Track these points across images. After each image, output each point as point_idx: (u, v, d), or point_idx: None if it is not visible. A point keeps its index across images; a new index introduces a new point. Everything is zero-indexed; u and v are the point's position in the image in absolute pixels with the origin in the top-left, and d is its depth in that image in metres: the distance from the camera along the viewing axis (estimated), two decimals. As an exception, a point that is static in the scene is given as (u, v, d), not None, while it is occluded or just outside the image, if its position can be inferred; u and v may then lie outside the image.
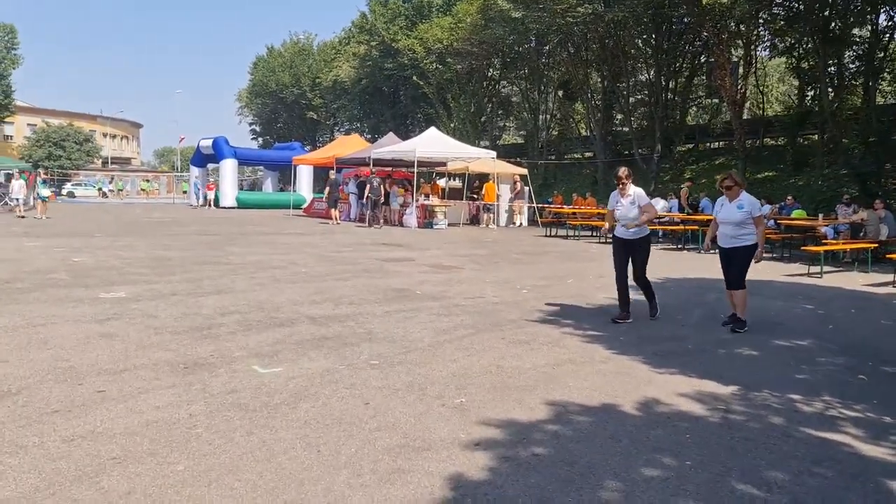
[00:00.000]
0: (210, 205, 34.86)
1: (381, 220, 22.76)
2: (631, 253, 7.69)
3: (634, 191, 7.62)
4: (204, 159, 37.07)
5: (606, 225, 8.17)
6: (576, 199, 26.54)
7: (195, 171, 38.46)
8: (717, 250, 7.81)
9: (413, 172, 23.65)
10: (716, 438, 4.13)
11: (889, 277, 11.67)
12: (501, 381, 5.23)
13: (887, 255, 11.29)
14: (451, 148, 23.56)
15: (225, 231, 19.35)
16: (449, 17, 34.49)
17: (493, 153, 23.83)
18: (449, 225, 24.04)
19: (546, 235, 20.38)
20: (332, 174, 24.98)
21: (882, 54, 21.25)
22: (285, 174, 39.38)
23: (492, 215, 24.54)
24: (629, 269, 7.74)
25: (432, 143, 22.97)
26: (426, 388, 5.00)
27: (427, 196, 23.77)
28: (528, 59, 34.43)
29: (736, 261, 7.39)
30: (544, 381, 5.28)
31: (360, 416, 4.36)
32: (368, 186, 22.97)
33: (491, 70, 37.37)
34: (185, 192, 49.38)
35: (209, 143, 35.29)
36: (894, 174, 20.98)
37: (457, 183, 27.39)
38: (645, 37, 28.11)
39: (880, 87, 21.93)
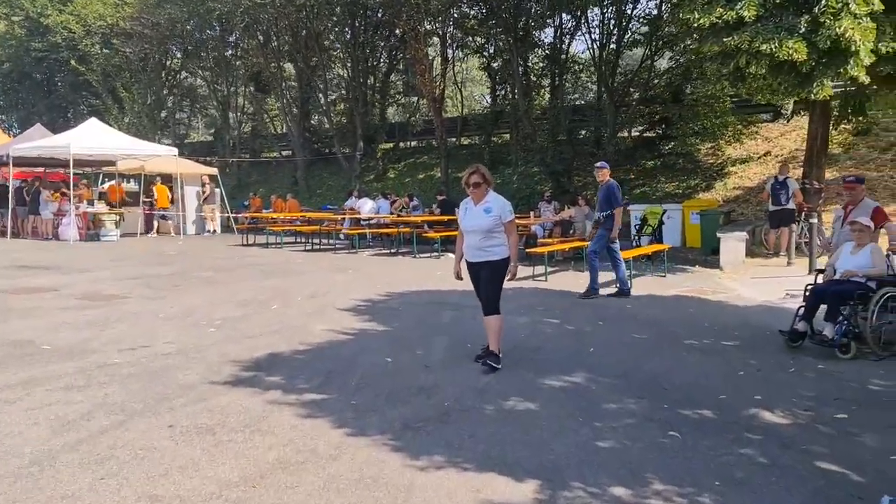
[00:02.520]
0: None
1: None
2: None
3: None
4: None
5: None
6: (275, 201, 24.09)
7: None
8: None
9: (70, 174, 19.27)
10: None
11: (608, 275, 11.30)
12: (157, 548, 2.84)
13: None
14: (121, 144, 19.55)
15: None
16: (113, -9, 29.36)
17: (175, 150, 20.34)
18: (123, 236, 20.02)
19: (243, 244, 17.67)
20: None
21: (564, 56, 22.26)
22: None
23: (170, 223, 21.16)
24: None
25: (94, 138, 18.71)
26: None
27: (90, 202, 19.45)
28: (214, 48, 30.95)
29: (486, 279, 5.72)
30: (238, 527, 3.00)
31: None
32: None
33: (171, 58, 33.04)
34: None
35: None
36: (580, 171, 22.13)
37: (132, 185, 23.19)
38: (338, 29, 26.57)
39: (565, 87, 23.06)
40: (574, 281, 10.83)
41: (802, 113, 16.35)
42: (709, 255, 14.05)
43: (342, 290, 9.75)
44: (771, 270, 11.53)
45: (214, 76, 31.83)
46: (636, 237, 13.95)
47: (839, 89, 13.22)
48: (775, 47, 9.78)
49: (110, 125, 31.50)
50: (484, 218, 5.67)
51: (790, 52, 9.75)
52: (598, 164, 9.46)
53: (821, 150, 13.35)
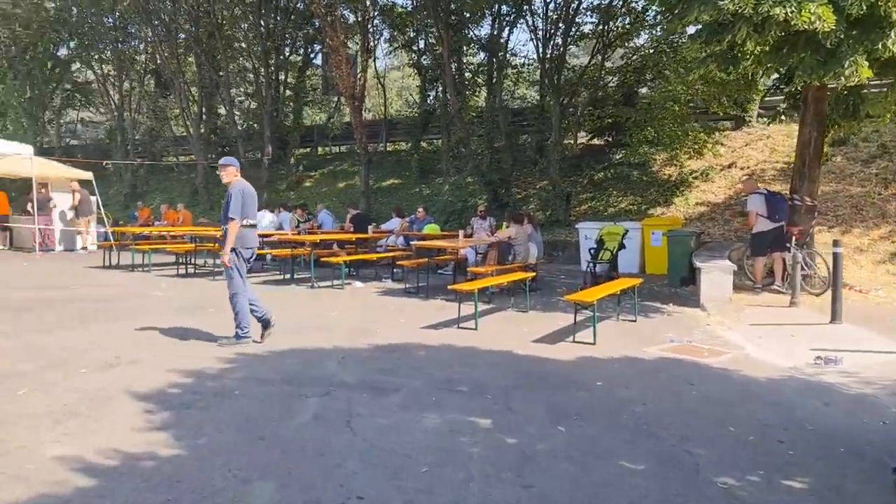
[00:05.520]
0: None
1: None
2: None
3: None
4: None
5: None
6: (165, 211, 20.51)
7: None
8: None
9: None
10: None
11: (559, 320, 8.41)
12: None
13: (571, 298, 7.69)
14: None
15: None
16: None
17: (29, 148, 16.58)
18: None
19: (104, 266, 14.06)
20: None
21: (503, 53, 19.46)
22: None
23: (4, 235, 18.15)
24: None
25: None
26: None
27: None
28: (111, 39, 27.02)
29: None
30: None
31: None
32: None
33: (62, 47, 28.90)
34: None
35: None
36: (518, 181, 19.35)
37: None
38: (253, 18, 23.09)
39: (505, 86, 20.23)
40: (516, 331, 7.84)
41: (780, 119, 13.88)
42: (678, 286, 11.39)
43: (169, 348, 6.50)
44: (771, 313, 8.81)
45: (107, 71, 27.91)
46: (590, 266, 11.10)
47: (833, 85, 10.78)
48: (792, 12, 7.08)
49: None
50: None
51: (812, 19, 7.07)
52: (222, 160, 7.01)
53: (814, 160, 10.77)
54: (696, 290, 10.05)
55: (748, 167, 16.61)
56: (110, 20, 26.60)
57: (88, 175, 19.04)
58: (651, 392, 5.33)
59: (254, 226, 6.85)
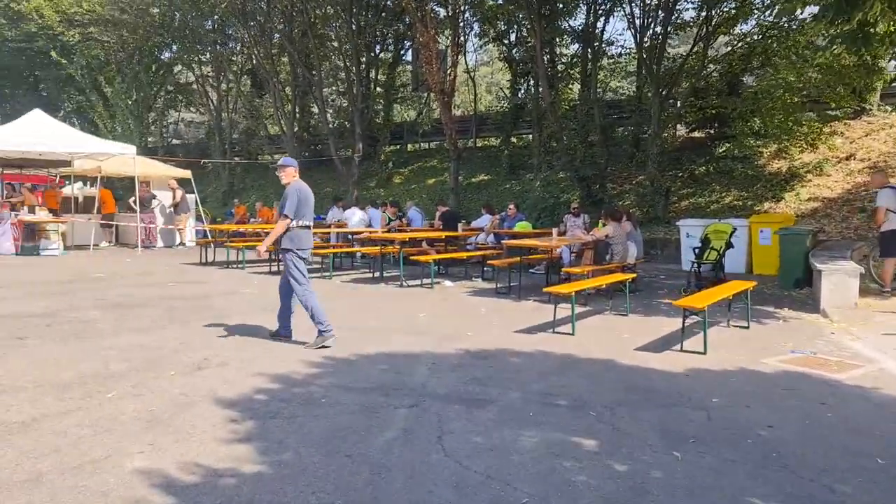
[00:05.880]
0: None
1: None
2: None
3: None
4: None
5: None
6: (260, 209, 20.93)
7: None
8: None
9: (48, 174, 17.27)
10: None
11: (663, 325, 7.83)
12: None
13: (679, 303, 7.04)
14: (69, 141, 16.46)
15: None
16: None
17: (133, 148, 17.19)
18: (75, 248, 17.06)
19: (200, 263, 14.39)
20: None
21: (598, 43, 18.73)
22: None
23: (110, 232, 19.04)
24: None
25: (34, 133, 15.65)
26: None
27: (31, 208, 16.37)
28: (210, 41, 27.93)
29: None
30: None
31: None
32: None
33: (164, 51, 30.10)
34: None
35: None
36: (613, 177, 18.61)
37: (92, 190, 20.11)
38: (345, 16, 23.22)
39: (600, 76, 19.48)
40: (614, 334, 7.34)
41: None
42: (792, 288, 10.52)
43: (257, 350, 6.38)
44: (906, 322, 7.91)
45: (206, 72, 28.84)
46: (694, 266, 10.38)
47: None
48: (938, -18, 6.26)
49: (100, 126, 28.84)
50: None
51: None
52: (281, 160, 6.93)
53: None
54: (815, 293, 9.23)
55: (869, 159, 15.32)
56: (209, 23, 27.49)
57: (187, 173, 19.66)
58: (777, 412, 4.74)
59: (308, 227, 6.74)
